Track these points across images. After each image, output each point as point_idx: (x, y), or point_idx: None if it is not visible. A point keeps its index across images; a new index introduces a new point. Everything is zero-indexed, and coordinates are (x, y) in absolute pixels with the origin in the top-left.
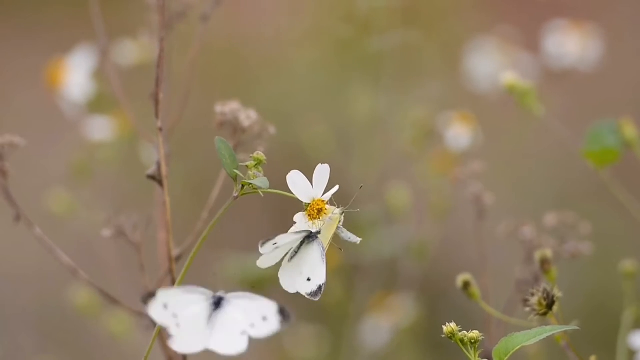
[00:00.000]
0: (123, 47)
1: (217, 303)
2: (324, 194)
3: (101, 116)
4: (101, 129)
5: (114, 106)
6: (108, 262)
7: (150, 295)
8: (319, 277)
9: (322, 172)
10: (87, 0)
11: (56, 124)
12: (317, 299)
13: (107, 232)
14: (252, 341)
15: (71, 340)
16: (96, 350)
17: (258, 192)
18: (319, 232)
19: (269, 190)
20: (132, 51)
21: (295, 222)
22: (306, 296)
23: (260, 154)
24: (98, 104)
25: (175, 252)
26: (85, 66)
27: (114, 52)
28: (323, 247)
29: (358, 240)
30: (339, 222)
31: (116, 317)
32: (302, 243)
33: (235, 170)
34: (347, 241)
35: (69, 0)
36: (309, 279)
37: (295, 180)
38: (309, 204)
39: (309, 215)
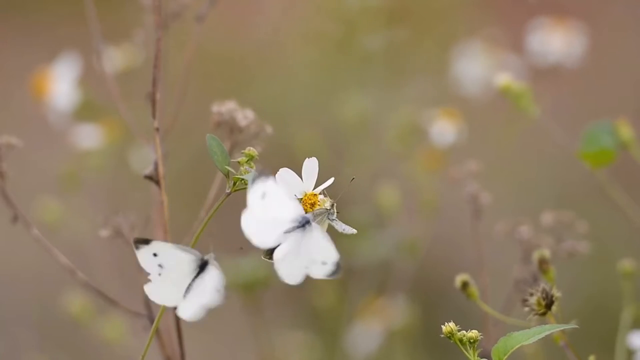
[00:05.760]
0: (114, 51)
1: (202, 267)
2: (317, 187)
3: (89, 124)
4: (89, 136)
5: (102, 112)
6: (101, 269)
7: (143, 241)
8: (332, 256)
9: (310, 165)
10: (84, 0)
11: (51, 126)
12: (338, 276)
13: (104, 233)
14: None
15: (70, 341)
16: (95, 351)
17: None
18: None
19: None
20: (121, 55)
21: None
22: (327, 277)
23: (252, 150)
24: (85, 111)
25: None
26: (70, 75)
27: (108, 53)
28: (321, 229)
29: (354, 231)
30: (333, 214)
31: (112, 320)
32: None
33: (227, 167)
34: (342, 233)
35: (67, 0)
36: (324, 263)
37: (285, 177)
38: (302, 198)
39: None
